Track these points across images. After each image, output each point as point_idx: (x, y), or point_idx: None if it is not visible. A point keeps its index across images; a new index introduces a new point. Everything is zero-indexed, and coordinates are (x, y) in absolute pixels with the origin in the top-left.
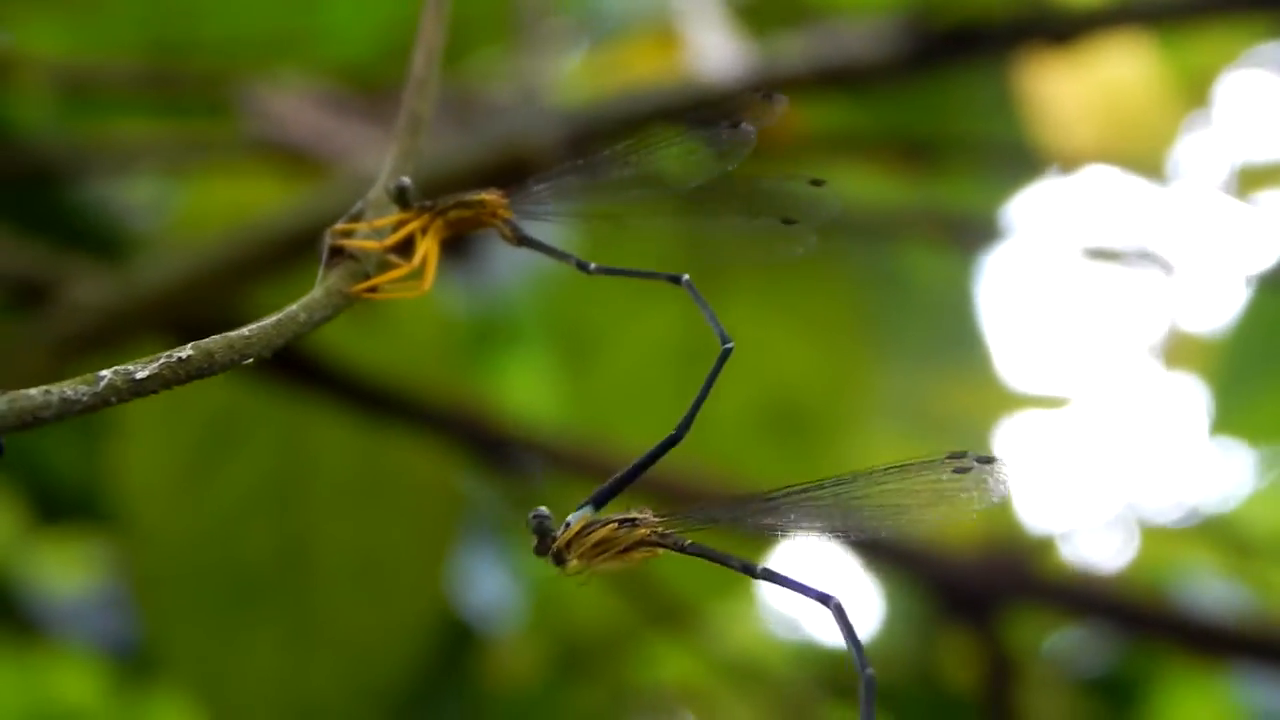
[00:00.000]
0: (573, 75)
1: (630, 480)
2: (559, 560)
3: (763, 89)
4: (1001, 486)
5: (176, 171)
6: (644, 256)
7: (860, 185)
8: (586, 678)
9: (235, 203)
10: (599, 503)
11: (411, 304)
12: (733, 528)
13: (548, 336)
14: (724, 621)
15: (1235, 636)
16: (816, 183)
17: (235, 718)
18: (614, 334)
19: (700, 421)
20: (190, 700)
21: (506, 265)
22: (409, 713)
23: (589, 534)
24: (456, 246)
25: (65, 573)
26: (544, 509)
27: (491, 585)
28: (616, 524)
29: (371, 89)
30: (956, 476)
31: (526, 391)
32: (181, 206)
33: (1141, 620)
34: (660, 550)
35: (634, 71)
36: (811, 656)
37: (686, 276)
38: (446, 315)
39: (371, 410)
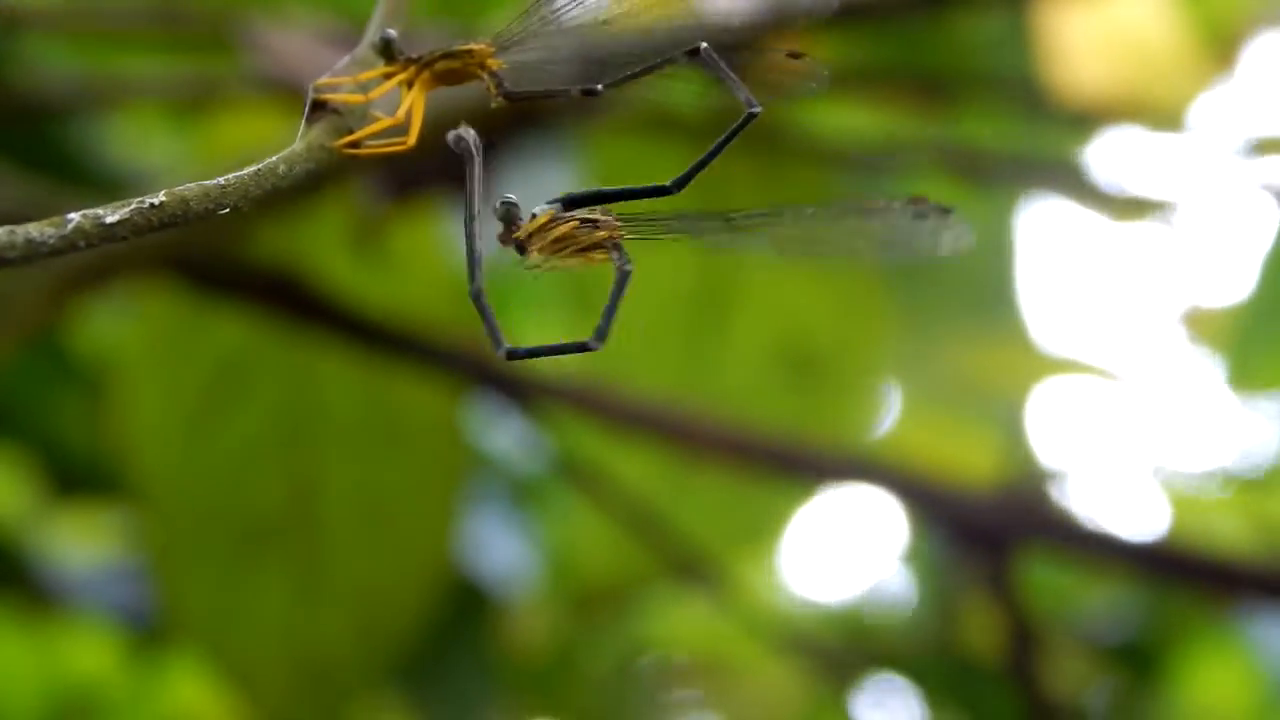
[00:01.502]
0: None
1: (606, 200)
2: (520, 250)
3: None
4: (956, 237)
5: (181, 109)
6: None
7: (871, 123)
8: (601, 644)
9: (240, 141)
10: (567, 205)
11: (423, 247)
12: (695, 239)
13: (559, 282)
14: (744, 590)
15: (1259, 577)
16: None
17: (244, 670)
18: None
19: (712, 363)
20: (200, 655)
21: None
22: (423, 678)
23: (551, 228)
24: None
25: (81, 543)
26: (512, 196)
27: (506, 550)
28: (579, 221)
29: None
30: (914, 220)
31: (538, 337)
32: (186, 144)
33: (1161, 562)
34: (615, 254)
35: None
36: (833, 622)
37: (704, 45)
38: (459, 261)
39: (381, 350)
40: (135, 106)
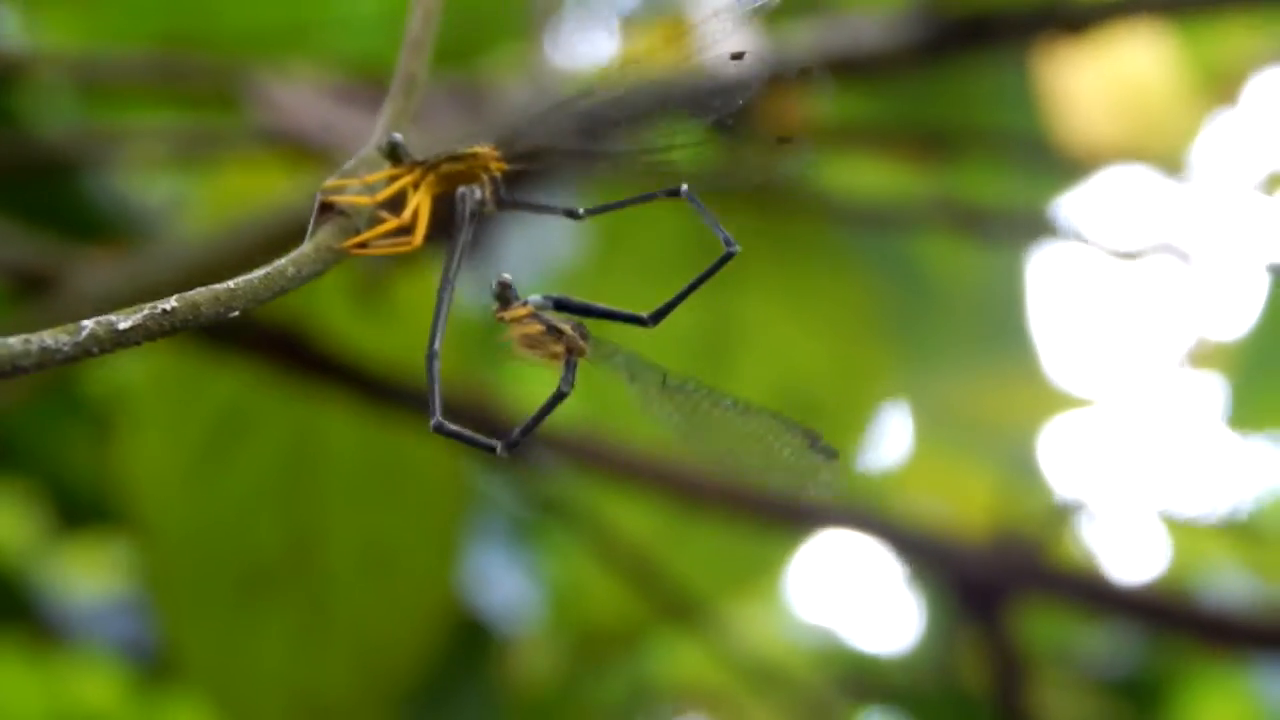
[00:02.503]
0: (586, 68)
1: (590, 315)
2: (501, 324)
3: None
4: (826, 486)
5: (188, 163)
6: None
7: (875, 177)
8: (605, 679)
9: (247, 194)
10: (557, 306)
11: (422, 297)
12: (628, 381)
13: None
14: (746, 624)
15: (1256, 630)
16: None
17: (245, 713)
18: (626, 327)
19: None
20: (203, 698)
21: (517, 260)
22: (425, 713)
23: (525, 324)
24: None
25: (86, 577)
26: (509, 277)
27: (508, 586)
28: (545, 328)
29: (383, 79)
30: (803, 452)
31: (539, 387)
32: (192, 198)
33: (1159, 613)
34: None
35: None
36: (834, 659)
37: (685, 187)
38: (457, 310)
39: (381, 402)
40: (143, 160)
